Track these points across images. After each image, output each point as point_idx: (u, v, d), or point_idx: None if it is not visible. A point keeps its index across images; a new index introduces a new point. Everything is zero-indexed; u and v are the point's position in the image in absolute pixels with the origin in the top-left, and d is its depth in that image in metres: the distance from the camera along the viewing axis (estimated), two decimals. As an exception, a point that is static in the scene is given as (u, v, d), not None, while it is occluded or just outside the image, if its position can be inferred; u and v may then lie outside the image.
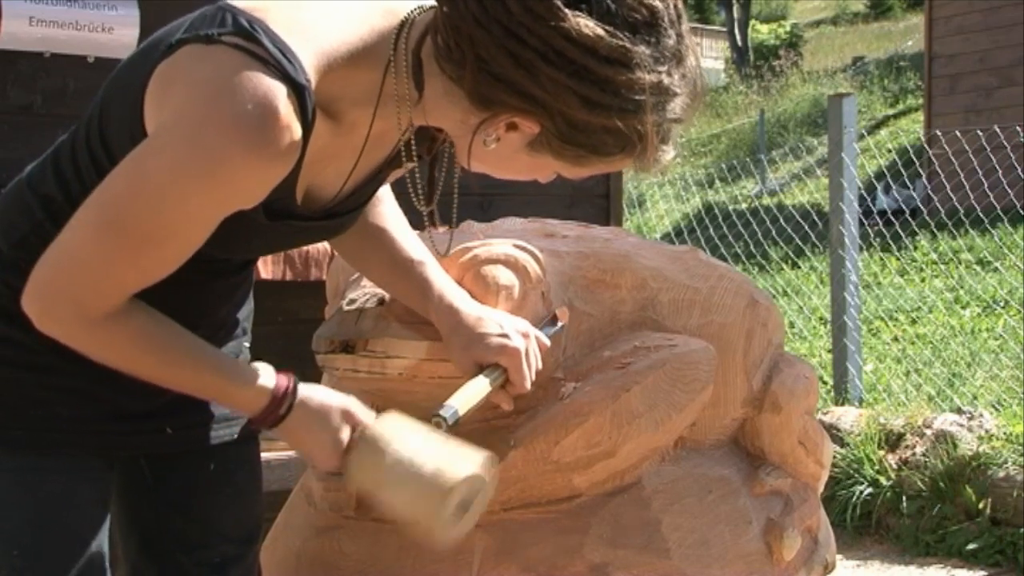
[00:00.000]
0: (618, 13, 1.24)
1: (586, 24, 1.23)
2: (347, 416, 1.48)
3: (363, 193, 1.53)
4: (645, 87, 1.26)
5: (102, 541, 1.51)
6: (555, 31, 1.22)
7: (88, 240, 1.32)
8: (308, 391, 1.47)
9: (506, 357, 1.60)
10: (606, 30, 1.23)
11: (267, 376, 1.46)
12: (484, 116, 1.30)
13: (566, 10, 1.22)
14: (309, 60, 1.31)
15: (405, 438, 1.46)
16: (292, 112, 1.27)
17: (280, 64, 1.27)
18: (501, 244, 1.78)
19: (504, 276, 1.72)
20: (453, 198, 1.52)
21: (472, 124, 1.31)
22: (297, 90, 1.28)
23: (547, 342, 1.68)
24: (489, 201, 3.56)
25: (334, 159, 1.43)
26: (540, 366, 1.65)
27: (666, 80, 1.28)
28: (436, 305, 1.63)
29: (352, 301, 1.76)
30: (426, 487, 1.43)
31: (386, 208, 1.67)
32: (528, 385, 1.62)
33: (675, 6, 1.30)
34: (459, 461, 1.46)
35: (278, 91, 1.26)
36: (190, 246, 1.35)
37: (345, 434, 1.46)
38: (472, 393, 1.56)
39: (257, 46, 1.27)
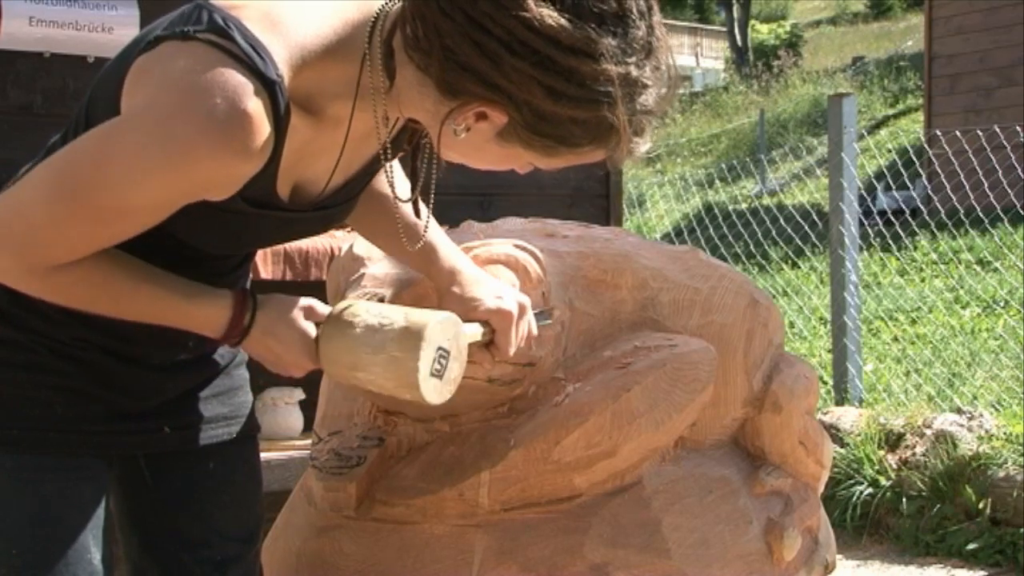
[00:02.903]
0: (584, 4, 1.24)
1: (549, 14, 1.23)
2: (309, 312, 1.47)
3: (356, 185, 1.53)
4: (612, 78, 1.26)
5: (100, 540, 1.51)
6: (518, 20, 1.23)
7: (42, 202, 1.32)
8: (267, 297, 1.47)
9: (497, 317, 1.60)
10: (570, 20, 1.23)
11: (224, 292, 1.46)
12: (453, 105, 1.30)
13: (530, 0, 1.23)
14: (283, 56, 1.32)
15: (370, 309, 1.46)
16: (262, 108, 1.28)
17: (252, 60, 1.28)
18: (501, 244, 1.78)
19: (504, 276, 1.72)
20: (431, 189, 1.53)
21: (442, 113, 1.32)
22: (268, 86, 1.29)
23: (535, 331, 1.68)
24: (489, 201, 3.56)
25: (322, 154, 1.44)
26: (525, 344, 1.65)
27: (635, 72, 1.28)
28: (439, 266, 1.64)
29: (352, 301, 1.76)
30: (401, 340, 1.41)
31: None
32: (511, 352, 1.62)
33: None
34: (426, 313, 1.45)
35: (248, 87, 1.27)
36: (146, 224, 1.35)
37: (311, 329, 1.46)
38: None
39: (230, 43, 1.28)
